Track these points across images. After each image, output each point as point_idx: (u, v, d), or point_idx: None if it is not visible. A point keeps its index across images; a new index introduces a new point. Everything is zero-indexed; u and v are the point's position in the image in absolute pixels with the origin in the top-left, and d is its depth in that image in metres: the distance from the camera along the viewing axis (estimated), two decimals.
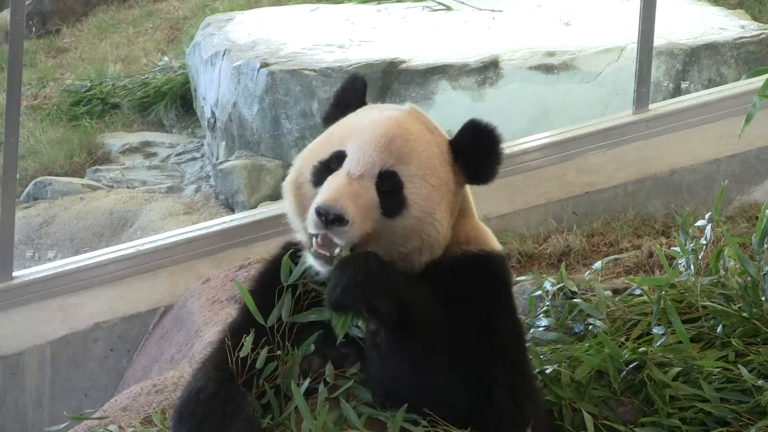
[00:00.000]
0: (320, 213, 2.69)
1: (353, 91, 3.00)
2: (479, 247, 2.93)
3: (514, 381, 2.81)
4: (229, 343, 2.78)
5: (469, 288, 2.82)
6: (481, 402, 2.73)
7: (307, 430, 2.64)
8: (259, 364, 2.74)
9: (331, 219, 2.68)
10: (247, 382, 2.76)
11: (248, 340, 2.75)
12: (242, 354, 2.75)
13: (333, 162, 2.81)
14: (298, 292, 2.82)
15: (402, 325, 2.68)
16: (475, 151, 2.86)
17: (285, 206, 2.94)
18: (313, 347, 2.78)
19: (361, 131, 2.84)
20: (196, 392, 2.72)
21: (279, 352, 2.76)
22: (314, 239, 2.74)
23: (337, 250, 2.72)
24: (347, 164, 2.78)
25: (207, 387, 2.71)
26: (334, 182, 2.74)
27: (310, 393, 2.72)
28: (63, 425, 3.22)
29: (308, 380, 2.73)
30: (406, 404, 2.70)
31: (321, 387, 2.70)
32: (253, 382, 2.76)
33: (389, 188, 2.78)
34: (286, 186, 2.91)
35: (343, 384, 2.73)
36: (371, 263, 2.69)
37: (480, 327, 2.76)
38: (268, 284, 2.89)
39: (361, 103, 2.98)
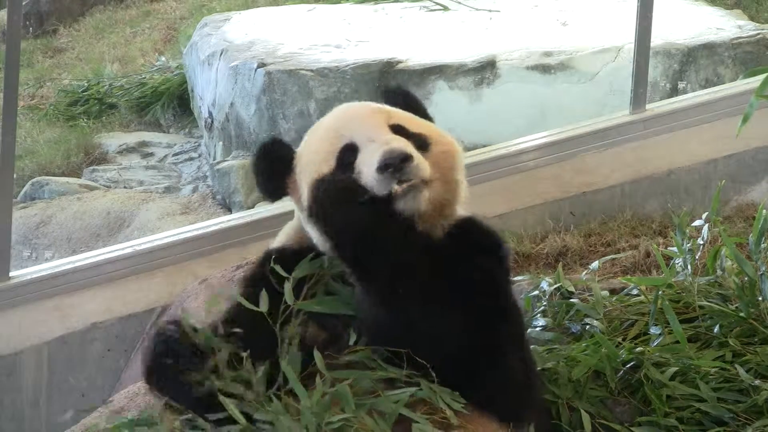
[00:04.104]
0: (387, 165, 2.68)
1: (283, 148, 2.97)
2: (464, 213, 2.95)
3: (523, 352, 2.81)
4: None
5: (474, 251, 2.83)
6: (484, 357, 2.71)
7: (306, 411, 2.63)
8: None
9: (400, 160, 2.68)
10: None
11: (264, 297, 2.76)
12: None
13: (347, 156, 2.80)
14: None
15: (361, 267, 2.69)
16: (411, 106, 3.00)
17: (316, 242, 2.86)
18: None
19: (348, 118, 2.88)
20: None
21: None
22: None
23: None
24: (364, 139, 2.79)
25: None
26: (374, 146, 2.75)
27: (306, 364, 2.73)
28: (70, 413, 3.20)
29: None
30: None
31: (318, 380, 2.68)
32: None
33: (402, 132, 2.83)
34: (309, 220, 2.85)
35: (340, 374, 2.71)
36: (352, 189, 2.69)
37: (483, 288, 2.76)
38: (256, 284, 2.86)
39: (293, 151, 2.96)
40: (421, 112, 3.02)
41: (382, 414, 2.64)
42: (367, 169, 2.73)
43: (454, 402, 2.67)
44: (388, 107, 2.95)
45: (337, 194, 2.72)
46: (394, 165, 2.69)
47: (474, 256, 2.80)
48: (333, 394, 2.65)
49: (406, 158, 2.70)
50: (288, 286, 2.78)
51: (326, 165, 2.82)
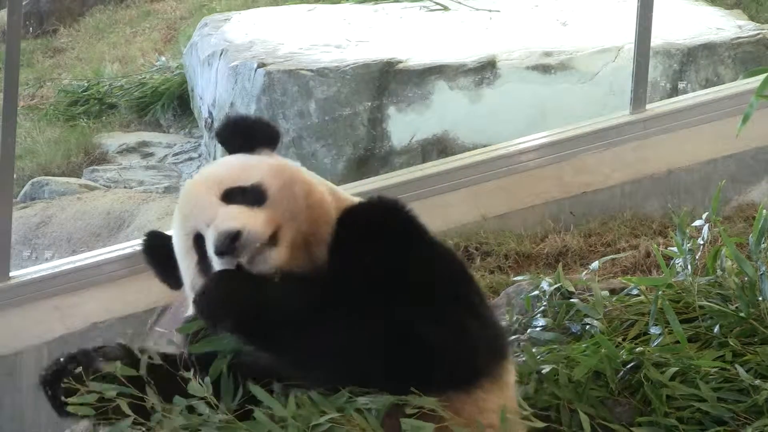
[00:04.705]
0: (221, 252, 2.63)
1: (159, 244, 2.95)
2: (351, 201, 2.89)
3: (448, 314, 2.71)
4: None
5: (359, 246, 2.76)
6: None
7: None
8: None
9: (229, 242, 2.62)
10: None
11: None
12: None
13: (200, 246, 2.75)
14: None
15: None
16: (246, 138, 2.91)
17: None
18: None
19: (188, 203, 2.82)
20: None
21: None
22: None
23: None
24: (204, 225, 2.73)
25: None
26: (210, 232, 2.70)
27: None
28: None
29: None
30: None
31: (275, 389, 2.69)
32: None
33: (236, 194, 2.75)
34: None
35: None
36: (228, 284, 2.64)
37: (377, 279, 2.68)
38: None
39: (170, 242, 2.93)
40: (257, 135, 2.93)
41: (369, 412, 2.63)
42: (213, 257, 2.69)
43: (428, 403, 2.65)
44: (220, 171, 2.85)
45: (217, 306, 2.67)
46: (225, 250, 2.63)
47: (358, 252, 2.72)
48: (311, 401, 2.64)
49: (235, 237, 2.63)
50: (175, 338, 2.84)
51: (191, 260, 2.80)
